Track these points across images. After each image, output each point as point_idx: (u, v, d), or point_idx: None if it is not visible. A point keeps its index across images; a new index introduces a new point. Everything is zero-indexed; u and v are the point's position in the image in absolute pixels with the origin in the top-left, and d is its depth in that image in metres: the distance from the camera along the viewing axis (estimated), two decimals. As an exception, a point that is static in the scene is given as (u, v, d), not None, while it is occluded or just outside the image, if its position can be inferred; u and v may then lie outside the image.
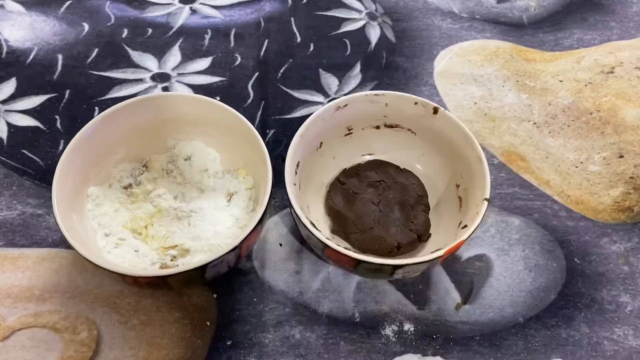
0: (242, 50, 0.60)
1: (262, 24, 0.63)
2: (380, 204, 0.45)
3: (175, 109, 0.45)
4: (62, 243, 0.46)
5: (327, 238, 0.38)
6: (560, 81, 0.59)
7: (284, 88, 0.57)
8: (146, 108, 0.44)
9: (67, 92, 0.56)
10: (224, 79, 0.58)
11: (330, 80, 0.58)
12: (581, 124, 0.56)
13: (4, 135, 0.52)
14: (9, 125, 0.53)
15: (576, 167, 0.53)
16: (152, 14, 0.63)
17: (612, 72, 0.60)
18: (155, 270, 0.40)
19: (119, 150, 0.46)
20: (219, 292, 0.44)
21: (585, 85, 0.59)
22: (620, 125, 0.56)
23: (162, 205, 0.44)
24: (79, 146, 0.41)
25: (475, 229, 0.38)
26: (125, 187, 0.45)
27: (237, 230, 0.43)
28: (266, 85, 0.57)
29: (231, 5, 0.65)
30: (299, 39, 0.62)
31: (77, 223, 0.40)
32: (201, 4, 0.65)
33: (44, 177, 0.50)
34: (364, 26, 0.63)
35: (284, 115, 0.55)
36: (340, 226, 0.45)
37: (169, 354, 0.41)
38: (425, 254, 0.40)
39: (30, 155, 0.51)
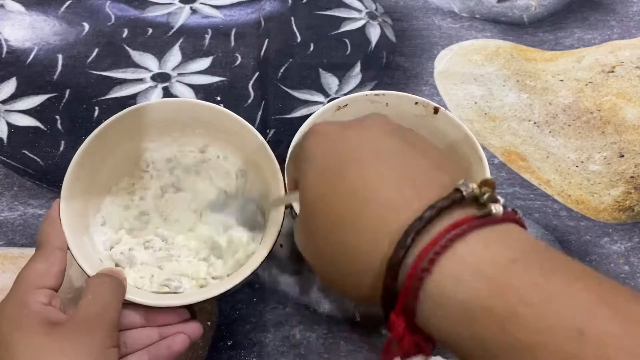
0: (242, 50, 0.60)
1: (263, 23, 0.63)
2: (380, 204, 0.45)
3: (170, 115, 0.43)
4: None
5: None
6: (561, 81, 0.59)
7: (284, 88, 0.57)
8: (137, 118, 0.42)
9: (67, 92, 0.56)
10: (225, 79, 0.58)
11: (330, 80, 0.58)
12: (582, 124, 0.56)
13: (4, 136, 0.52)
14: (9, 125, 0.53)
15: (577, 166, 0.53)
16: (153, 13, 0.63)
17: (612, 72, 0.60)
18: (177, 300, 0.37)
19: (117, 160, 0.43)
20: (219, 292, 0.44)
21: (586, 85, 0.59)
22: (620, 125, 0.56)
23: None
24: (81, 164, 0.39)
25: (475, 229, 0.38)
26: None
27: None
28: (266, 85, 0.57)
29: (231, 5, 0.65)
30: (299, 39, 0.62)
31: (88, 244, 0.39)
32: (201, 3, 0.65)
33: (45, 177, 0.50)
34: (364, 26, 0.63)
35: (284, 115, 0.55)
36: (340, 226, 0.45)
37: (170, 354, 0.41)
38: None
39: (30, 155, 0.51)
